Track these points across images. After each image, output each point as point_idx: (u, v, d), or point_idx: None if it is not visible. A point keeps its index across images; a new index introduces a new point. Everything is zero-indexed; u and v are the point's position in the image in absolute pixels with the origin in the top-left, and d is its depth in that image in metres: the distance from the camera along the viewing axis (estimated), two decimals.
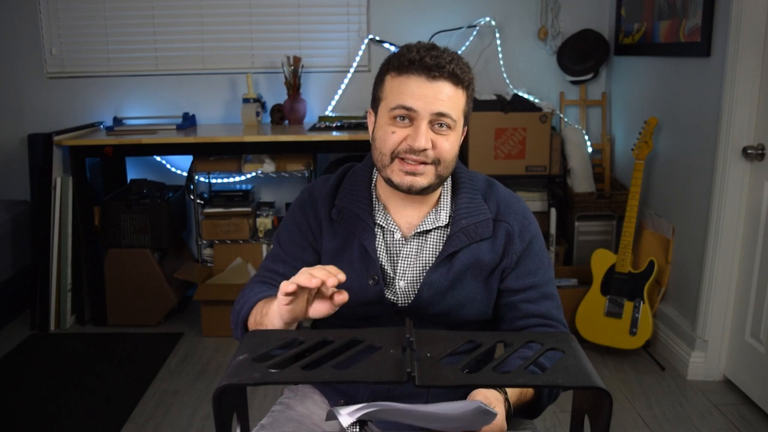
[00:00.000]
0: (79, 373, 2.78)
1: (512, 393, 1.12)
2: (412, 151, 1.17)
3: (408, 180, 1.19)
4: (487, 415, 0.96)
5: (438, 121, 1.17)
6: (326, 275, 1.01)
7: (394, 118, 1.18)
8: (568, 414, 2.16)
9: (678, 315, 2.83)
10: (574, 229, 3.30)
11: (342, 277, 1.02)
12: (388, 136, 1.19)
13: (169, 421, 2.43)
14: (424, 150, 1.17)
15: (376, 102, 1.24)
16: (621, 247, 2.87)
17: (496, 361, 0.90)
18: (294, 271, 1.27)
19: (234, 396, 0.91)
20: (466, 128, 1.26)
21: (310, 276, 1.01)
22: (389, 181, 1.22)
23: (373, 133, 1.24)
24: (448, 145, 1.19)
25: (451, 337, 0.94)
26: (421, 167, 1.19)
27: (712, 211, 2.55)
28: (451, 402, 0.98)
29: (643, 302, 2.80)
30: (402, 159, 1.19)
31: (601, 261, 2.93)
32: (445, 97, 1.16)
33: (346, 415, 0.95)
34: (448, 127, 1.18)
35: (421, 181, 1.20)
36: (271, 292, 1.23)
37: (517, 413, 1.15)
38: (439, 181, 1.23)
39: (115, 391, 2.64)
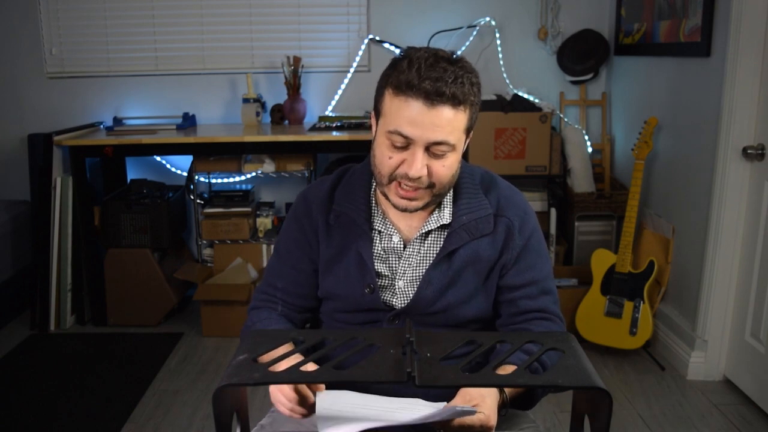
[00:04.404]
0: (79, 373, 2.78)
1: None
2: (408, 177, 1.15)
3: (404, 203, 1.19)
4: (466, 413, 0.98)
5: (435, 148, 1.14)
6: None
7: (391, 141, 1.15)
8: (568, 414, 2.16)
9: (678, 315, 2.83)
10: (574, 229, 3.30)
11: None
12: (385, 160, 1.16)
13: (169, 421, 2.43)
14: (419, 177, 1.15)
15: (377, 111, 1.20)
16: (621, 247, 2.87)
17: (496, 360, 0.90)
18: (292, 285, 1.34)
19: (234, 396, 0.91)
20: (471, 134, 1.22)
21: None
22: (386, 197, 1.22)
23: (373, 142, 1.22)
24: (445, 169, 1.16)
25: (451, 337, 0.94)
26: (417, 192, 1.17)
27: (712, 211, 2.55)
28: (432, 409, 1.00)
29: (643, 302, 2.80)
30: (399, 182, 1.17)
31: (601, 261, 2.93)
32: (444, 122, 1.11)
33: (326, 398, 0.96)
34: (446, 150, 1.15)
35: (417, 204, 1.19)
36: (274, 323, 1.30)
37: (512, 404, 1.16)
38: (436, 199, 1.21)
39: (115, 391, 2.64)
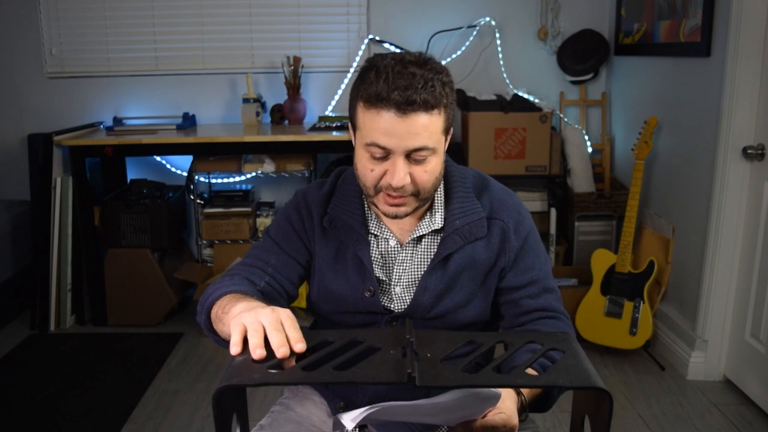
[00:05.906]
0: (79, 373, 2.78)
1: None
2: (392, 187, 1.14)
3: (392, 210, 1.18)
4: (491, 398, 0.95)
5: (416, 154, 1.13)
6: (279, 346, 0.89)
7: (371, 153, 1.14)
8: (568, 414, 2.16)
9: (678, 315, 2.83)
10: (574, 229, 3.30)
11: (299, 349, 0.91)
12: (367, 173, 1.16)
13: (169, 421, 2.43)
14: (403, 186, 1.14)
15: (353, 124, 1.20)
16: (621, 247, 2.87)
17: (497, 360, 0.90)
18: (287, 267, 1.28)
19: (234, 397, 0.91)
20: (451, 132, 1.21)
21: (258, 348, 0.89)
22: (375, 206, 1.22)
23: (354, 155, 1.21)
24: (427, 174, 1.16)
25: (451, 337, 0.94)
26: (403, 199, 1.17)
27: (712, 211, 2.55)
28: (452, 391, 0.97)
29: (643, 302, 2.80)
30: (385, 192, 1.17)
31: (601, 261, 2.93)
32: (419, 128, 1.10)
33: (350, 420, 0.94)
34: (427, 155, 1.14)
35: (406, 210, 1.19)
36: (245, 287, 1.17)
37: (531, 408, 1.15)
38: (423, 203, 1.21)
39: (115, 391, 2.64)
